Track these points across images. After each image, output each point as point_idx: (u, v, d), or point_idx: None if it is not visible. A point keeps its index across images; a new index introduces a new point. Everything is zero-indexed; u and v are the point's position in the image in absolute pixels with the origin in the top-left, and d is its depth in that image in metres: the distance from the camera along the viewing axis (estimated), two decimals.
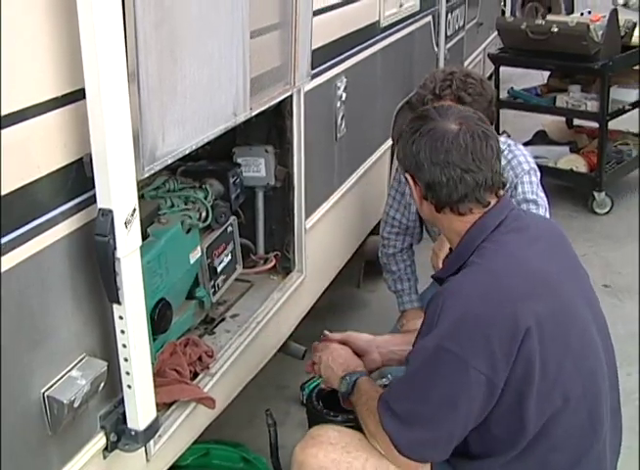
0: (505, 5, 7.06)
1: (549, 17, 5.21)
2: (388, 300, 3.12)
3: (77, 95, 1.40)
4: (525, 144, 4.33)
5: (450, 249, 1.91)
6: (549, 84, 5.14)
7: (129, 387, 1.61)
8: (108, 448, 1.65)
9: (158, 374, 1.92)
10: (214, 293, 2.32)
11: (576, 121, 5.30)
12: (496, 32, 5.15)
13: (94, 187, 1.44)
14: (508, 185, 2.41)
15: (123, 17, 1.40)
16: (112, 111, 1.38)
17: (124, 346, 1.57)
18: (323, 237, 2.80)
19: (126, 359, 1.58)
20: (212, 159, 2.46)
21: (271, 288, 2.55)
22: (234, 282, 2.46)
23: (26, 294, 1.38)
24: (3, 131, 1.27)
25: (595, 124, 4.75)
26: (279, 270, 2.61)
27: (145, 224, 1.89)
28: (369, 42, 3.12)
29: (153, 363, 1.71)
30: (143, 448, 1.74)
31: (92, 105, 1.37)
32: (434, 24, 4.15)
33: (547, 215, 2.54)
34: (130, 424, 1.65)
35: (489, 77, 4.87)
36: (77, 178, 1.45)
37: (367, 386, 1.89)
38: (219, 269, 2.34)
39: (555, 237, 1.91)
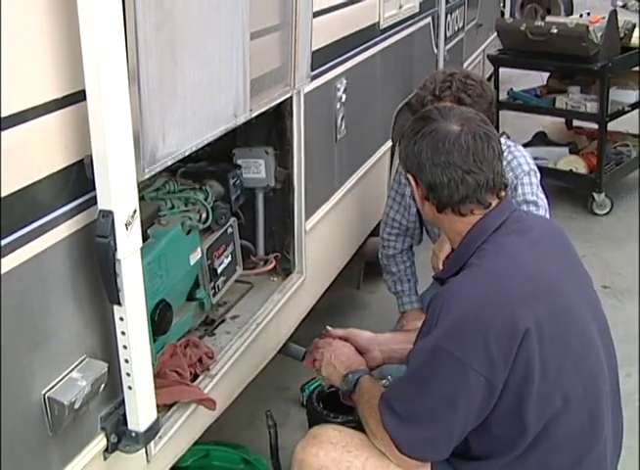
0: (504, 6, 7.07)
1: (548, 18, 5.24)
2: (388, 301, 3.12)
3: (78, 96, 1.40)
4: (525, 145, 4.34)
5: (452, 249, 1.91)
6: (548, 85, 5.15)
7: (130, 388, 1.61)
8: (108, 450, 1.65)
9: (158, 375, 1.92)
10: (214, 294, 2.32)
11: (576, 123, 5.31)
12: (496, 34, 5.15)
13: (94, 188, 1.44)
14: (508, 186, 2.42)
15: (124, 18, 1.40)
16: (112, 112, 1.38)
17: (125, 347, 1.57)
18: (323, 238, 2.80)
19: (127, 361, 1.58)
20: (212, 160, 2.46)
21: (271, 289, 2.55)
22: (234, 283, 2.46)
23: (27, 295, 1.38)
24: (4, 133, 1.27)
25: (594, 126, 4.76)
26: (279, 272, 2.61)
27: (145, 226, 1.89)
28: (369, 44, 3.12)
29: (153, 365, 1.71)
30: (143, 450, 1.73)
31: (92, 106, 1.37)
32: (434, 26, 4.15)
33: (547, 217, 2.54)
34: (131, 425, 1.65)
35: (489, 79, 4.87)
36: (78, 180, 1.45)
37: (369, 384, 1.89)
38: (219, 271, 2.34)
39: (557, 238, 1.91)
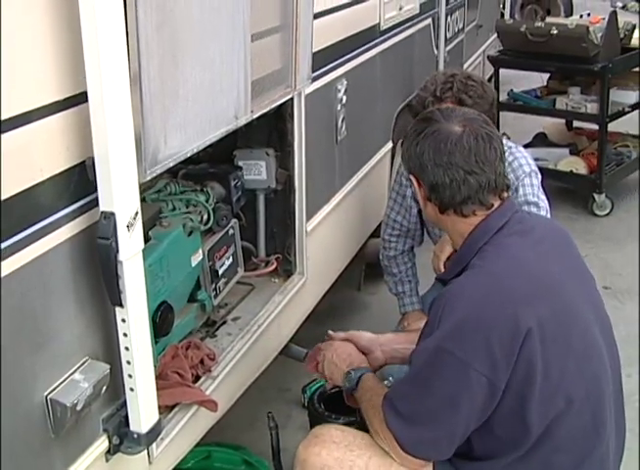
0: (504, 7, 7.07)
1: (548, 19, 5.24)
2: (389, 302, 3.12)
3: (80, 98, 1.40)
4: (525, 146, 4.34)
5: (455, 250, 1.91)
6: (549, 86, 5.15)
7: (132, 390, 1.61)
8: (110, 451, 1.65)
9: (160, 377, 1.92)
10: (216, 296, 2.32)
11: (576, 123, 5.31)
12: (496, 35, 5.15)
13: (96, 190, 1.44)
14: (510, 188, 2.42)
15: (125, 20, 1.40)
16: (114, 114, 1.38)
17: (127, 348, 1.57)
18: (324, 240, 2.80)
19: (129, 362, 1.58)
20: (214, 162, 2.46)
21: (272, 291, 2.55)
22: (235, 285, 2.46)
23: (29, 297, 1.38)
24: (6, 135, 1.27)
25: (595, 126, 4.76)
26: (280, 273, 2.61)
27: (147, 227, 1.89)
28: (369, 45, 3.12)
29: (155, 366, 1.71)
30: (145, 451, 1.73)
31: (94, 108, 1.37)
32: (434, 27, 4.15)
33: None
34: (133, 427, 1.65)
35: (489, 80, 4.87)
36: (80, 181, 1.45)
37: (372, 382, 1.89)
38: (221, 272, 2.34)
39: (559, 238, 1.91)
